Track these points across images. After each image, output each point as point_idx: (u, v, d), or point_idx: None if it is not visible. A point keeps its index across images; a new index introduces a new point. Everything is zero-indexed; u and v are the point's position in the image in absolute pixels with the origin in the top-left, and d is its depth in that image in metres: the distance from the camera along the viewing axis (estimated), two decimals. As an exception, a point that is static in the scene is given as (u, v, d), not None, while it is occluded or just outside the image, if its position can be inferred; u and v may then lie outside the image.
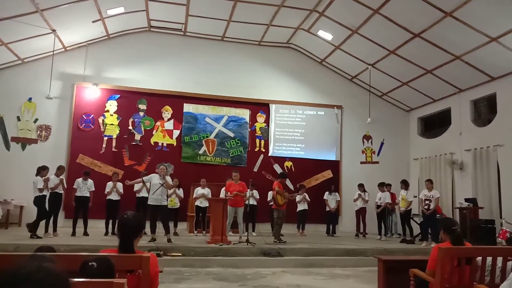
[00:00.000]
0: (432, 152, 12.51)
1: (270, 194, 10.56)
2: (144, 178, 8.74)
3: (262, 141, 12.97)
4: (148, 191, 9.71)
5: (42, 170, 8.53)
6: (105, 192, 9.77)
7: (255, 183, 10.41)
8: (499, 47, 9.16)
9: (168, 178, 8.57)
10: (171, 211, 9.77)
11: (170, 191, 9.45)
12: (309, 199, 11.40)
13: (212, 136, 12.56)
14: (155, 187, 8.29)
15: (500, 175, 10.05)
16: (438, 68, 10.90)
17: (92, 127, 11.74)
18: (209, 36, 12.77)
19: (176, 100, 12.38)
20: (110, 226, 9.66)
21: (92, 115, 11.77)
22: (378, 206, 11.11)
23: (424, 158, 12.90)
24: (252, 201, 10.37)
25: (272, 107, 13.11)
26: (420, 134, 13.62)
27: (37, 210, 8.47)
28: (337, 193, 11.92)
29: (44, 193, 8.51)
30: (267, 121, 13.07)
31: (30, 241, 7.87)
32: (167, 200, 8.67)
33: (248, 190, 9.62)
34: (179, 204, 10.44)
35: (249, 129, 12.89)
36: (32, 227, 8.28)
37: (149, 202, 8.39)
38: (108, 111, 11.91)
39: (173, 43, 12.63)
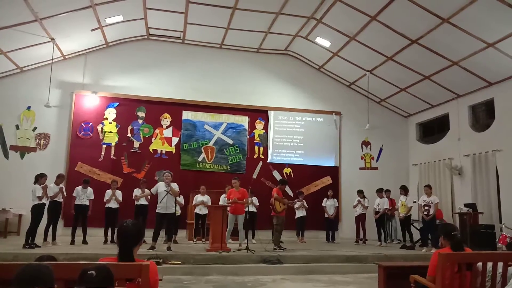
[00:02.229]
0: (431, 158, 12.52)
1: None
2: (152, 190, 8.73)
3: (261, 148, 12.97)
4: (147, 199, 9.75)
5: (40, 178, 8.48)
6: (104, 200, 9.73)
7: (254, 190, 10.39)
8: (496, 53, 9.21)
9: (174, 185, 8.53)
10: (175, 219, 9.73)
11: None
12: (306, 206, 11.37)
13: (211, 143, 12.56)
14: (162, 195, 8.29)
15: (499, 180, 10.06)
16: (435, 74, 10.95)
17: (91, 135, 11.73)
18: (208, 43, 12.82)
19: (175, 107, 12.40)
20: (109, 234, 9.61)
21: (91, 123, 11.77)
22: (376, 212, 11.10)
23: (423, 164, 12.91)
24: (252, 208, 10.34)
25: (271, 114, 13.14)
26: (419, 140, 13.64)
27: (31, 218, 8.39)
28: (335, 199, 11.90)
29: (43, 201, 8.47)
30: (266, 127, 13.08)
31: (29, 250, 7.82)
32: (175, 207, 8.64)
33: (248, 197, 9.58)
34: (180, 211, 10.40)
35: (248, 136, 12.90)
36: (28, 236, 8.20)
37: (157, 210, 8.35)
38: (107, 119, 11.91)
39: (172, 51, 12.67)
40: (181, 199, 10.37)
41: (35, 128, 11.44)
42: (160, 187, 8.43)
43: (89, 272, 2.06)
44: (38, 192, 8.34)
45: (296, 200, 11.29)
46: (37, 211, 8.37)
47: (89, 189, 9.49)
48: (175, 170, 11.66)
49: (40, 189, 8.37)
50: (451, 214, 11.28)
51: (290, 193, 12.37)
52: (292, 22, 11.33)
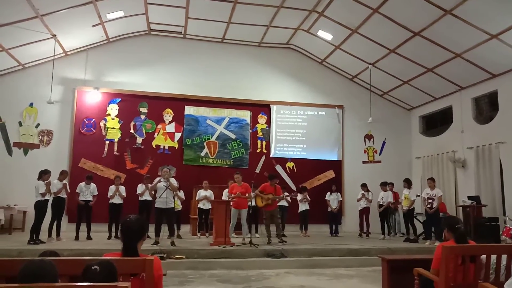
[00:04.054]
0: (434, 151, 12.49)
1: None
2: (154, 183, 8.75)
3: (264, 142, 12.96)
4: (151, 194, 9.79)
5: (44, 174, 8.51)
6: (108, 196, 9.77)
7: (257, 185, 10.36)
8: (499, 44, 9.14)
9: (173, 180, 8.58)
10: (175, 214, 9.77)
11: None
12: (309, 199, 11.35)
13: (213, 138, 12.56)
14: (161, 190, 8.32)
15: (502, 172, 10.02)
16: (438, 66, 10.89)
17: (94, 131, 11.75)
18: (209, 38, 12.78)
19: (177, 102, 12.39)
20: (113, 229, 9.66)
21: (93, 119, 11.78)
22: (380, 206, 11.09)
23: (426, 157, 12.88)
24: (255, 203, 10.32)
25: (273, 108, 13.11)
26: (422, 133, 13.60)
27: (35, 215, 8.43)
28: (339, 193, 11.89)
29: (46, 197, 8.50)
30: (268, 122, 13.06)
31: (34, 246, 7.87)
32: (174, 202, 8.67)
33: (251, 191, 9.57)
34: (181, 206, 10.43)
35: (250, 131, 12.89)
36: (33, 232, 8.24)
37: (156, 205, 8.43)
38: (109, 115, 11.92)
39: (173, 46, 12.65)
40: (181, 194, 10.38)
41: (38, 125, 11.47)
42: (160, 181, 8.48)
43: (92, 268, 2.06)
44: (41, 188, 8.38)
45: (294, 193, 11.15)
46: (40, 207, 8.40)
47: (92, 185, 9.53)
48: (178, 166, 11.78)
49: (43, 186, 8.40)
50: (454, 207, 11.27)
51: (293, 187, 12.39)
52: (294, 16, 11.28)
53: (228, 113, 12.79)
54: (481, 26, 8.90)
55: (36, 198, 8.40)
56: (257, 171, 12.53)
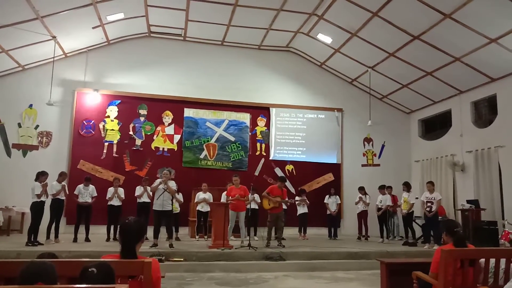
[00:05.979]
0: (433, 154, 12.49)
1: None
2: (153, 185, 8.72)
3: (263, 145, 12.96)
4: (149, 196, 9.77)
5: (41, 176, 8.48)
6: (107, 198, 9.76)
7: (256, 187, 10.38)
8: (498, 48, 9.17)
9: (172, 183, 8.55)
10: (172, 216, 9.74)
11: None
12: (308, 202, 11.34)
13: (213, 141, 12.56)
14: (159, 193, 8.31)
15: (501, 176, 10.03)
16: (438, 70, 10.91)
17: (93, 133, 11.75)
18: (209, 40, 12.80)
19: (177, 104, 12.40)
20: (111, 231, 9.64)
21: (92, 121, 11.78)
22: (379, 209, 11.08)
23: (425, 160, 12.89)
24: (254, 205, 10.32)
25: (273, 111, 13.11)
26: (421, 136, 13.61)
27: (31, 216, 8.40)
28: (337, 196, 11.88)
29: (42, 199, 8.46)
30: (267, 124, 13.07)
31: (32, 247, 7.85)
32: (172, 205, 8.66)
33: (249, 194, 9.59)
34: (179, 209, 10.41)
35: (249, 133, 12.89)
36: (30, 233, 8.22)
37: (154, 208, 8.42)
38: (108, 116, 11.92)
39: (173, 48, 12.66)
40: (180, 197, 10.34)
41: (37, 126, 11.46)
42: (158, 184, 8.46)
43: (90, 270, 2.06)
44: (37, 189, 8.34)
45: (297, 198, 11.21)
46: (36, 208, 8.36)
47: (91, 187, 9.51)
48: (177, 168, 11.74)
49: (39, 187, 8.37)
50: (453, 211, 11.27)
51: (292, 190, 12.38)
52: (294, 19, 11.30)
53: (228, 116, 12.80)
54: (481, 30, 8.93)
55: (32, 199, 8.37)
56: (256, 173, 12.53)
